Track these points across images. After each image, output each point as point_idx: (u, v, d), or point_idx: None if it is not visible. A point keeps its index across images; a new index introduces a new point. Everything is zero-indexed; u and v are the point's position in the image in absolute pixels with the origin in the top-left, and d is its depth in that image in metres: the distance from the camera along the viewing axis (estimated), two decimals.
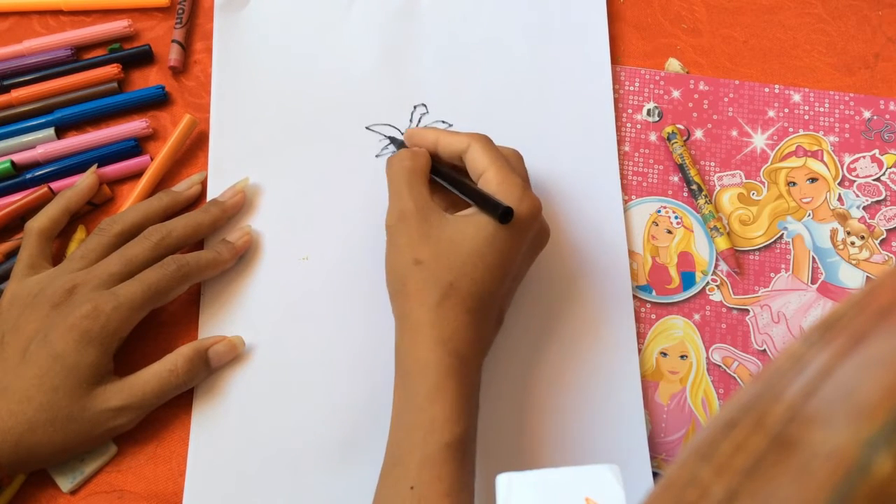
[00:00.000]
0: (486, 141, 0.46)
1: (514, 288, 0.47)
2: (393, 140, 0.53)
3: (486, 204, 0.43)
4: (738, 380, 0.50)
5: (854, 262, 0.53)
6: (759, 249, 0.53)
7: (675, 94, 0.56)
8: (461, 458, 0.39)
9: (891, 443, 0.16)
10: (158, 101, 0.54)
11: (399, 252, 0.44)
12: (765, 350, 0.51)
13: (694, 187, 0.53)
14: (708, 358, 0.50)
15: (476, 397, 0.42)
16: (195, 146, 0.54)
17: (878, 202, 0.54)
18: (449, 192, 0.47)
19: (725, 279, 0.52)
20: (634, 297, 0.51)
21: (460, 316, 0.42)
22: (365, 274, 0.51)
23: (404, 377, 0.42)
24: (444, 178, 0.47)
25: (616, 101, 0.56)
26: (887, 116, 0.56)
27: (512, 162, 0.46)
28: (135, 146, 0.53)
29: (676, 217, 0.53)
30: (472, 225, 0.43)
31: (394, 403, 0.42)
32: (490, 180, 0.44)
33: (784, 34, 0.58)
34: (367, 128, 0.54)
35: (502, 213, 0.42)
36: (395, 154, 0.48)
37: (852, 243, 0.53)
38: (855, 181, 0.54)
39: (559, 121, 0.55)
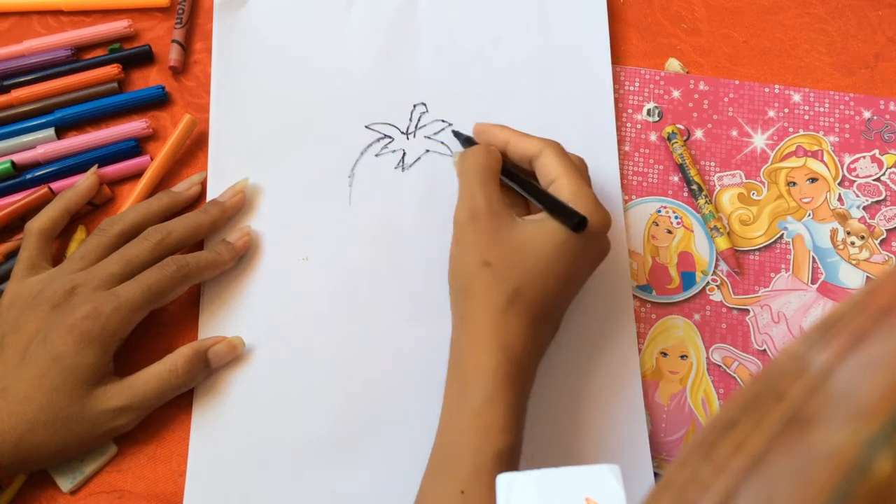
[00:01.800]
0: (559, 148, 0.45)
1: (573, 297, 0.46)
2: (458, 134, 0.52)
3: (561, 211, 0.42)
4: (738, 380, 0.50)
5: (854, 262, 0.53)
6: (759, 249, 0.53)
7: (675, 94, 0.56)
8: (510, 467, 0.39)
9: (891, 443, 0.16)
10: (158, 101, 0.54)
11: (467, 251, 0.43)
12: (765, 350, 0.51)
13: (694, 187, 0.53)
14: (708, 358, 0.50)
15: (526, 406, 0.42)
16: (195, 146, 0.54)
17: (878, 202, 0.54)
18: (512, 194, 0.46)
19: (725, 279, 0.52)
20: (634, 297, 0.51)
21: (523, 323, 0.41)
22: (365, 274, 0.51)
23: (459, 378, 0.42)
24: (516, 181, 0.46)
25: (616, 101, 0.56)
26: (887, 116, 0.56)
27: (580, 170, 0.46)
28: (135, 146, 0.53)
29: (676, 217, 0.53)
30: (543, 231, 0.43)
31: (445, 402, 0.42)
32: (563, 188, 0.43)
33: (784, 34, 0.58)
34: (366, 127, 0.54)
35: (577, 223, 0.42)
36: (470, 150, 0.47)
37: (852, 243, 0.53)
38: (855, 181, 0.54)
39: (559, 121, 0.55)
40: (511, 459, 0.40)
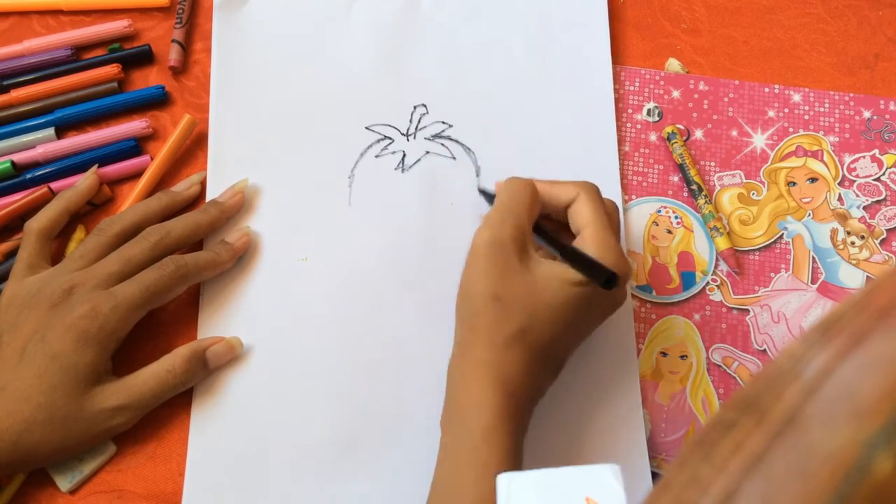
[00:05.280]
0: (595, 192, 0.44)
1: (579, 343, 0.45)
2: (485, 192, 0.50)
3: (589, 268, 0.41)
4: (738, 380, 0.50)
5: (854, 262, 0.53)
6: (759, 249, 0.53)
7: (675, 94, 0.56)
8: None
9: (891, 443, 0.16)
10: (158, 101, 0.54)
11: (479, 280, 0.42)
12: (765, 350, 0.51)
13: (694, 187, 0.53)
14: (708, 358, 0.50)
15: (523, 442, 0.41)
16: (195, 146, 0.54)
17: (878, 202, 0.54)
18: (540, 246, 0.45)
19: (725, 279, 0.52)
20: (634, 297, 0.51)
21: (524, 360, 0.41)
22: (364, 275, 0.50)
23: (457, 410, 0.41)
24: (544, 235, 0.44)
25: (616, 101, 0.56)
26: (887, 116, 0.56)
27: (611, 217, 0.45)
28: (135, 146, 0.53)
29: (676, 217, 0.53)
30: (560, 275, 0.42)
31: (443, 436, 0.41)
32: (588, 239, 0.43)
33: (784, 34, 0.58)
34: (367, 128, 0.54)
35: (606, 281, 0.41)
36: (517, 180, 0.45)
37: (852, 243, 0.53)
38: (855, 181, 0.54)
39: (559, 121, 0.55)
40: None
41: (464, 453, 0.39)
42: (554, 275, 0.42)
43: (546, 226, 0.45)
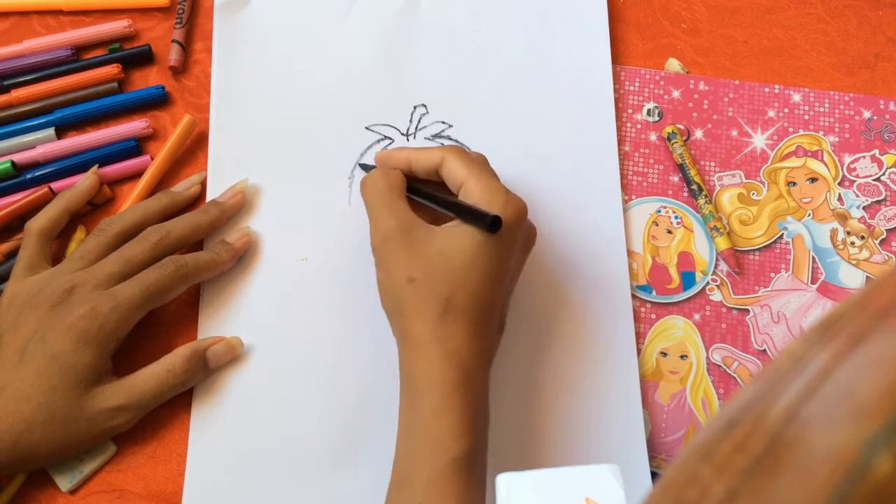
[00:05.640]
0: (459, 151, 0.45)
1: (510, 292, 0.46)
2: (364, 166, 0.52)
3: (472, 216, 0.42)
4: (738, 380, 0.50)
5: (854, 262, 0.53)
6: (759, 249, 0.53)
7: (675, 94, 0.56)
8: (468, 474, 0.39)
9: (891, 443, 0.16)
10: (158, 101, 0.54)
11: (389, 273, 0.43)
12: (765, 350, 0.51)
13: (694, 187, 0.53)
14: (708, 358, 0.50)
15: (485, 409, 0.42)
16: (195, 146, 0.54)
17: (877, 202, 0.54)
18: (429, 209, 0.46)
19: (725, 279, 0.52)
20: (634, 297, 0.51)
21: (463, 329, 0.41)
22: (363, 275, 0.50)
23: (410, 394, 0.41)
24: (422, 195, 0.46)
25: (616, 101, 0.56)
26: (887, 116, 0.56)
27: (483, 164, 0.46)
28: (135, 146, 0.53)
29: (676, 217, 0.53)
30: (460, 236, 0.42)
31: (399, 420, 0.42)
32: (472, 190, 0.43)
33: (784, 34, 0.58)
34: (367, 128, 0.54)
35: (491, 223, 0.41)
36: (367, 175, 0.47)
37: (852, 243, 0.53)
38: (855, 181, 0.54)
39: (559, 121, 0.55)
40: (470, 465, 0.39)
41: (417, 431, 0.40)
42: (455, 235, 0.42)
43: (424, 187, 0.46)
